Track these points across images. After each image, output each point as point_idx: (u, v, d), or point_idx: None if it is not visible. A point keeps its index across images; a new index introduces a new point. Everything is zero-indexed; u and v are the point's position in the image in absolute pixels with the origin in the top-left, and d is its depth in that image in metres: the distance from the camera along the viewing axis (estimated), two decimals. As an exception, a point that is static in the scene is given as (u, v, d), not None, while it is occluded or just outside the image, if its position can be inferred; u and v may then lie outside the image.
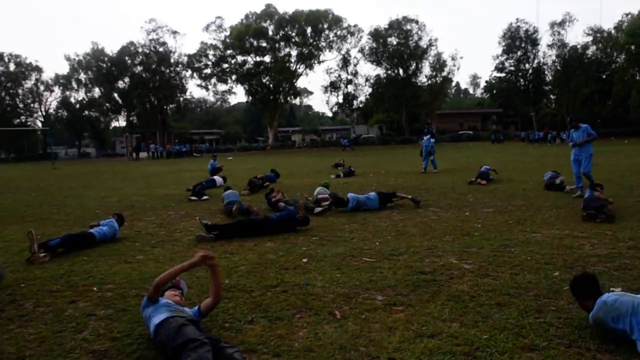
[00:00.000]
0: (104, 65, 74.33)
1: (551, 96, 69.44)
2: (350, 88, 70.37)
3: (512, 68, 65.60)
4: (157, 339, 3.50)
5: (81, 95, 79.26)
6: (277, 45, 67.44)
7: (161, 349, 3.43)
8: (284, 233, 7.78)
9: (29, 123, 76.85)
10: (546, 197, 10.89)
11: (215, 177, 17.11)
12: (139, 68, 74.72)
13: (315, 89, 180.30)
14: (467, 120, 73.36)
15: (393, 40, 65.34)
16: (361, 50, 67.40)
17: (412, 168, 21.34)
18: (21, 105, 76.74)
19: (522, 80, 65.72)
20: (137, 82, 73.76)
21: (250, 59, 68.68)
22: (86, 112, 79.17)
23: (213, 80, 71.26)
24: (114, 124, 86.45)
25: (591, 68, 61.11)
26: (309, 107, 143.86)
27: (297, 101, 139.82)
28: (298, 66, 69.01)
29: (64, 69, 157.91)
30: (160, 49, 73.17)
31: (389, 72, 67.08)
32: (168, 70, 74.56)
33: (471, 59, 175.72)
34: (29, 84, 76.53)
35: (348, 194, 10.53)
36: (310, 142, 77.58)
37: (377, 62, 66.90)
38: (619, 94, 59.17)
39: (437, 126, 61.94)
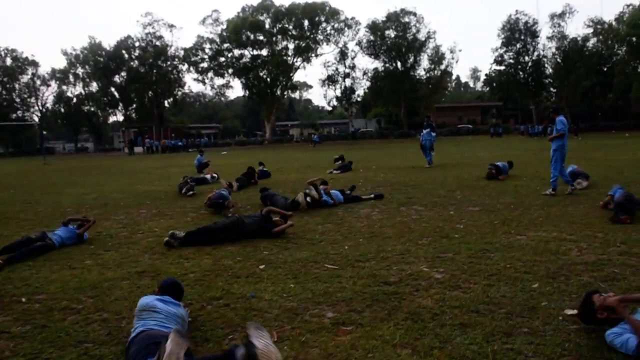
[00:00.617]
0: (101, 60, 73.62)
1: (551, 89, 68.52)
2: (348, 82, 69.61)
3: (511, 61, 64.68)
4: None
5: (78, 89, 78.63)
6: (274, 38, 66.71)
7: None
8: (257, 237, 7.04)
9: (26, 117, 76.23)
10: (537, 194, 10.29)
11: (207, 176, 16.57)
12: (136, 62, 74.04)
13: (314, 82, 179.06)
14: (466, 114, 72.51)
15: (391, 33, 64.52)
16: (359, 43, 66.63)
17: (406, 163, 20.77)
18: (18, 100, 76.06)
19: (521, 73, 64.85)
20: (134, 76, 73.10)
21: (247, 53, 68.01)
22: (83, 107, 78.44)
23: (210, 74, 70.55)
24: (112, 118, 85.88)
25: (592, 60, 60.23)
26: (309, 101, 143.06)
27: (296, 95, 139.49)
28: (295, 59, 68.31)
29: (60, 63, 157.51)
30: (157, 43, 72.45)
31: (387, 65, 66.28)
32: (165, 65, 73.85)
33: (472, 53, 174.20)
34: (25, 78, 75.84)
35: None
36: (309, 137, 76.90)
37: (375, 55, 66.11)
38: (619, 86, 58.31)
39: (436, 120, 60.98)
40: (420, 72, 67.10)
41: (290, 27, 65.71)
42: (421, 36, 64.37)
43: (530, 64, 64.37)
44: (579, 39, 60.96)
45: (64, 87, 77.92)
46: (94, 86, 77.59)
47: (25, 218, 10.19)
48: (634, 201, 7.38)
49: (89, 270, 5.78)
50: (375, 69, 67.95)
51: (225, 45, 67.29)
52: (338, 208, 9.61)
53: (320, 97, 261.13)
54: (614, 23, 60.76)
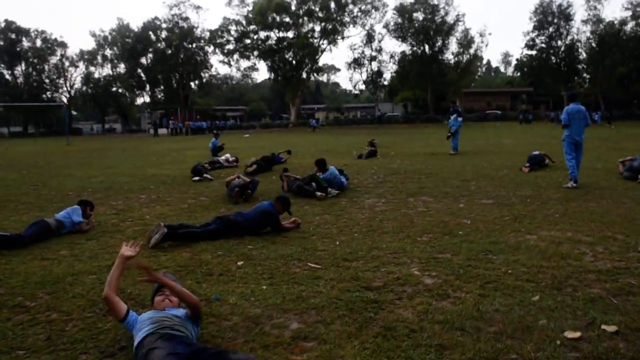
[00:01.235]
0: (129, 41, 73.83)
1: (584, 75, 66.06)
2: (375, 65, 68.39)
3: (543, 45, 62.43)
4: None
5: (106, 71, 79.18)
6: (300, 20, 65.74)
7: None
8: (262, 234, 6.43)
9: (55, 98, 77.17)
10: (558, 187, 9.59)
11: (222, 159, 16.11)
12: (162, 44, 74.08)
13: (341, 65, 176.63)
14: (495, 100, 70.59)
15: (419, 16, 62.87)
16: (386, 26, 65.12)
17: (426, 149, 20.05)
18: (47, 81, 76.98)
19: (553, 57, 62.61)
20: (160, 58, 73.15)
21: (273, 35, 67.26)
22: (111, 88, 79.02)
23: (235, 56, 70.10)
24: (140, 100, 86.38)
25: (629, 45, 57.60)
26: (336, 84, 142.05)
27: (323, 78, 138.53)
28: (321, 42, 67.32)
29: (89, 45, 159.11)
30: (183, 24, 72.25)
31: (415, 48, 64.77)
32: (191, 46, 73.70)
33: (504, 36, 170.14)
34: (54, 59, 76.59)
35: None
36: (334, 120, 76.12)
37: (402, 38, 64.56)
38: (658, 73, 55.93)
39: (464, 105, 59.65)
40: (449, 56, 65.41)
41: (317, 8, 64.61)
42: (450, 19, 62.63)
43: (563, 48, 62.08)
44: (615, 22, 58.45)
45: (92, 69, 78.54)
46: (121, 67, 78.07)
47: (26, 201, 9.94)
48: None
49: (60, 262, 5.41)
50: (403, 53, 66.55)
51: (251, 27, 66.63)
52: (343, 197, 9.10)
53: (347, 80, 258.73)
54: (654, 6, 58.05)
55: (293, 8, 64.69)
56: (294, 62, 67.41)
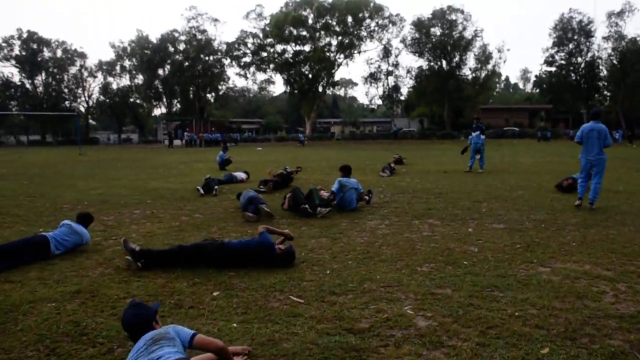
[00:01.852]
0: (148, 53, 74.44)
1: (605, 92, 64.99)
2: (391, 80, 68.04)
3: (563, 62, 61.65)
4: None
5: (124, 81, 79.91)
6: (316, 34, 65.69)
7: None
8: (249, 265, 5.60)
9: (73, 108, 77.97)
10: (576, 211, 8.95)
11: (237, 173, 15.46)
12: (180, 56, 74.51)
13: (358, 80, 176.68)
14: (513, 116, 69.60)
15: (436, 31, 62.54)
16: (403, 41, 64.92)
17: (438, 167, 19.45)
18: (66, 91, 77.88)
19: (573, 74, 61.73)
20: (177, 69, 73.57)
21: (290, 48, 67.31)
22: (128, 99, 79.66)
23: (252, 69, 70.29)
24: (157, 111, 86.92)
25: (652, 62, 56.65)
26: (354, 98, 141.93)
27: (341, 92, 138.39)
28: (338, 56, 67.14)
29: (106, 55, 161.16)
30: (200, 37, 72.69)
31: (432, 63, 64.34)
32: (207, 58, 74.04)
33: (522, 53, 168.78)
34: (73, 69, 77.57)
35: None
36: (349, 134, 75.70)
37: (419, 53, 64.22)
38: (682, 91, 54.69)
39: (481, 121, 58.80)
40: (466, 71, 64.94)
41: (334, 22, 64.55)
42: (468, 34, 62.18)
43: (583, 65, 61.21)
44: (638, 39, 57.44)
45: (110, 79, 79.35)
46: (139, 79, 78.71)
47: (15, 214, 9.54)
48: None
49: (23, 286, 4.95)
50: (420, 68, 66.17)
51: (268, 40, 66.79)
52: (344, 218, 8.56)
53: (364, 95, 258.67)
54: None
55: (310, 22, 64.75)
56: (310, 75, 67.31)
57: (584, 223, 7.78)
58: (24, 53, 73.05)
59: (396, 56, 67.93)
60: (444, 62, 63.86)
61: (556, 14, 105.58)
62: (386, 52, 66.44)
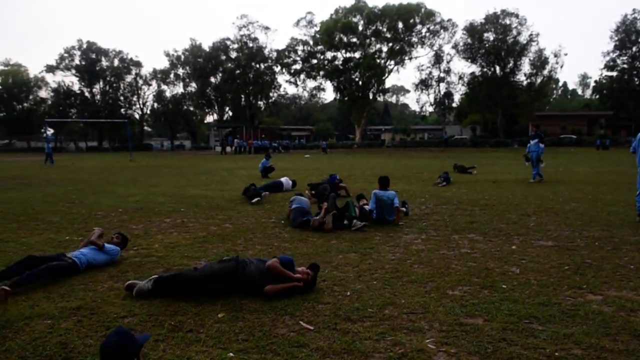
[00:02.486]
0: (200, 61, 75.97)
1: (672, 98, 61.58)
2: (442, 86, 66.75)
3: (625, 66, 58.76)
4: None
5: (177, 89, 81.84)
6: (367, 40, 65.20)
7: None
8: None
9: (128, 115, 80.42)
10: (636, 228, 8.12)
11: (283, 179, 15.03)
12: (231, 64, 75.66)
13: (409, 86, 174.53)
14: (571, 124, 66.77)
15: (490, 36, 60.84)
16: (455, 47, 63.58)
17: (487, 176, 18.58)
18: (121, 98, 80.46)
19: (636, 79, 58.70)
20: (228, 77, 74.72)
21: (340, 55, 67.09)
22: (181, 106, 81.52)
23: (302, 76, 70.57)
24: (210, 118, 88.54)
25: None
26: (405, 105, 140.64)
27: (392, 99, 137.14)
28: (388, 63, 66.43)
29: (160, 64, 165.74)
30: (251, 45, 73.56)
31: (485, 69, 62.65)
32: (258, 66, 74.85)
33: (581, 57, 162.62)
34: (129, 78, 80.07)
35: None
36: (400, 142, 74.68)
37: (471, 59, 62.71)
38: None
39: (540, 129, 56.66)
40: (521, 77, 62.80)
41: (384, 29, 63.92)
42: (522, 39, 60.17)
43: (647, 69, 58.16)
44: None
45: (164, 87, 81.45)
46: (192, 86, 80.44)
47: (50, 220, 9.56)
48: None
49: (27, 299, 4.73)
50: (472, 74, 64.60)
51: (318, 47, 66.86)
52: (379, 231, 8.07)
53: (415, 102, 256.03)
54: None
55: (360, 28, 64.36)
56: (360, 82, 66.89)
57: (644, 242, 7.00)
58: (83, 63, 76.04)
59: (448, 62, 66.78)
60: (497, 68, 62.09)
61: (618, 16, 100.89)
62: (437, 58, 65.34)
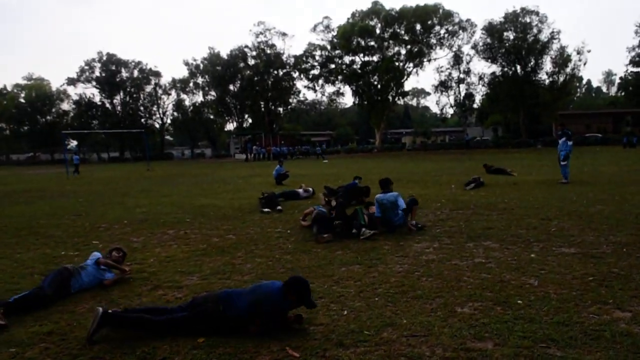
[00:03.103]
0: (219, 69, 76.22)
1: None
2: (463, 87, 65.81)
3: (651, 61, 57.26)
4: None
5: (196, 98, 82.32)
6: (385, 43, 64.57)
7: None
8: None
9: (148, 124, 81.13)
10: (667, 230, 7.51)
11: (300, 191, 14.34)
12: (249, 71, 75.75)
13: (429, 89, 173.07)
14: (595, 122, 65.08)
15: (509, 35, 59.71)
16: (474, 47, 62.57)
17: (508, 178, 17.90)
18: (142, 108, 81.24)
19: (663, 75, 57.14)
20: (247, 84, 74.82)
21: (358, 59, 66.57)
22: (200, 115, 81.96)
23: (320, 81, 70.24)
24: (229, 125, 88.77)
25: None
26: (426, 108, 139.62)
27: (413, 102, 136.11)
28: (407, 65, 65.73)
29: (179, 73, 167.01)
30: (269, 51, 73.55)
31: (505, 69, 61.52)
32: (276, 72, 74.81)
33: (606, 54, 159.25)
34: (148, 88, 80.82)
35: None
36: (420, 145, 73.78)
37: (492, 59, 61.62)
38: None
39: (566, 127, 55.38)
40: (542, 76, 61.43)
41: (402, 31, 63.23)
42: (543, 37, 58.88)
43: (674, 64, 56.50)
44: None
45: (183, 96, 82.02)
46: (212, 94, 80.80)
47: (51, 234, 9.34)
48: None
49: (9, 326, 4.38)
50: (493, 74, 63.50)
51: (336, 51, 66.45)
52: (389, 239, 7.61)
53: (435, 104, 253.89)
54: None
55: (377, 31, 63.77)
56: (378, 86, 66.23)
57: (677, 247, 6.40)
58: (103, 74, 77.00)
59: (467, 63, 65.73)
60: (518, 67, 60.89)
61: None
62: (457, 59, 64.43)
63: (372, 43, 64.57)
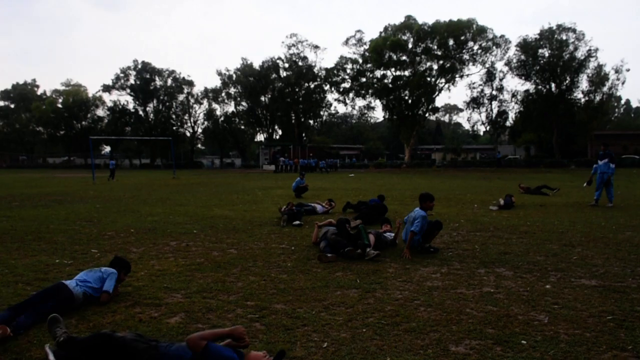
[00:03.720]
0: (251, 80, 76.82)
1: None
2: (495, 104, 64.67)
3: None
4: None
5: (229, 108, 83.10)
6: (417, 58, 64.06)
7: None
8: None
9: (180, 132, 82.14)
10: (701, 263, 6.86)
11: (317, 205, 13.85)
12: (281, 83, 76.12)
13: (461, 105, 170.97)
14: (634, 143, 63.15)
15: (544, 52, 58.57)
16: (508, 63, 61.60)
17: (535, 199, 17.19)
18: (173, 117, 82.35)
19: None
20: (278, 95, 75.17)
21: (389, 73, 66.20)
22: (230, 125, 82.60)
23: (351, 94, 70.13)
24: (260, 136, 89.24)
25: None
26: (458, 124, 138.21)
27: (445, 118, 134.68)
28: (439, 80, 65.02)
29: (211, 83, 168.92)
30: (301, 64, 73.79)
31: (539, 87, 60.25)
32: (307, 85, 74.97)
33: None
34: (181, 97, 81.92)
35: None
36: (450, 162, 72.77)
37: (525, 76, 60.50)
38: None
39: (595, 149, 53.84)
40: (578, 95, 60.05)
41: (434, 46, 62.65)
42: (580, 54, 57.55)
43: None
44: None
45: (215, 105, 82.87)
46: (243, 105, 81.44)
47: (55, 240, 9.15)
48: None
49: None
50: (526, 91, 62.31)
51: (367, 65, 66.25)
52: (395, 262, 7.14)
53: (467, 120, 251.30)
54: None
55: (410, 46, 63.39)
56: (409, 101, 65.70)
57: None
58: (138, 82, 78.42)
59: (500, 79, 64.80)
60: (552, 85, 59.61)
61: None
62: (490, 76, 63.47)
63: (404, 57, 64.20)
